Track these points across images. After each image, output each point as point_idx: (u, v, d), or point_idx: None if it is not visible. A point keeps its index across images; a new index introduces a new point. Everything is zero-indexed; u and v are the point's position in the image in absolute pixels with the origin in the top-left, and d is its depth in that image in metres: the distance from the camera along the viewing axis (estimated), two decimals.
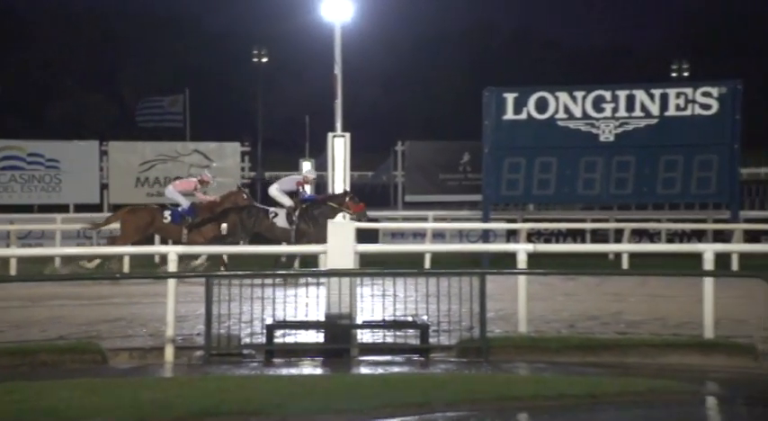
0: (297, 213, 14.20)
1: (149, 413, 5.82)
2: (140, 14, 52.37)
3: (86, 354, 8.16)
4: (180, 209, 14.59)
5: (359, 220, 14.86)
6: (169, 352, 8.26)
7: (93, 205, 23.15)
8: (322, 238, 14.25)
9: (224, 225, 14.45)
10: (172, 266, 8.83)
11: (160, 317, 8.72)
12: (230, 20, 57.22)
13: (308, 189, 15.27)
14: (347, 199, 14.60)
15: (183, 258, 13.12)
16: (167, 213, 14.60)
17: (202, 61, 49.95)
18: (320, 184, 21.73)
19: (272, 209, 14.48)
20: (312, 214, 14.25)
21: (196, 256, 13.09)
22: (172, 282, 8.49)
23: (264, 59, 42.92)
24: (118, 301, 11.09)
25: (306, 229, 14.19)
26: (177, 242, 14.24)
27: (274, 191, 14.70)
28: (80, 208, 22.75)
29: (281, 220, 14.25)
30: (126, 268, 13.66)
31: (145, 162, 23.62)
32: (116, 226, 15.19)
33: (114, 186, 23.38)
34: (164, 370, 8.01)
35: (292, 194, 14.78)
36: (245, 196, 15.08)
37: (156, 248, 12.35)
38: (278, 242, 14.17)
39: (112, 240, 14.82)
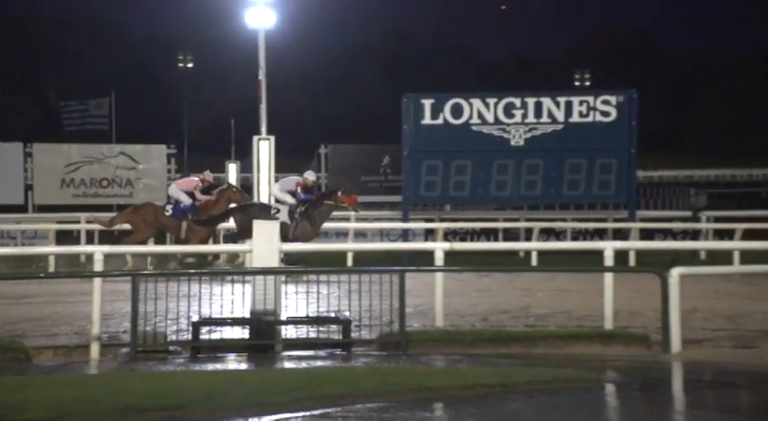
0: (298, 211, 14.25)
1: (73, 410, 5.64)
2: (64, 18, 50.92)
3: (9, 353, 7.86)
4: (182, 205, 14.49)
5: (355, 211, 15.01)
6: (95, 349, 8.04)
7: (18, 206, 22.41)
8: (309, 240, 14.12)
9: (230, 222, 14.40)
10: (98, 266, 8.60)
11: (86, 316, 8.48)
12: (155, 25, 56.10)
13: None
14: (340, 194, 14.62)
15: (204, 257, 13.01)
16: (169, 207, 14.64)
17: (128, 65, 48.85)
18: (246, 187, 21.48)
19: (274, 205, 14.50)
20: (312, 213, 14.32)
21: (217, 256, 13.16)
22: (98, 281, 8.27)
23: (190, 64, 42.23)
24: (43, 300, 10.73)
25: (306, 227, 14.27)
26: (177, 237, 14.23)
27: (276, 191, 14.74)
28: (4, 209, 21.97)
29: (283, 216, 14.23)
30: (52, 267, 13.24)
31: (70, 163, 23.01)
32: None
33: (39, 187, 22.73)
34: (89, 367, 7.78)
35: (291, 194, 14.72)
36: (234, 190, 15.12)
37: (83, 248, 12.01)
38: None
39: (128, 238, 14.59)
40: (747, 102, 61.38)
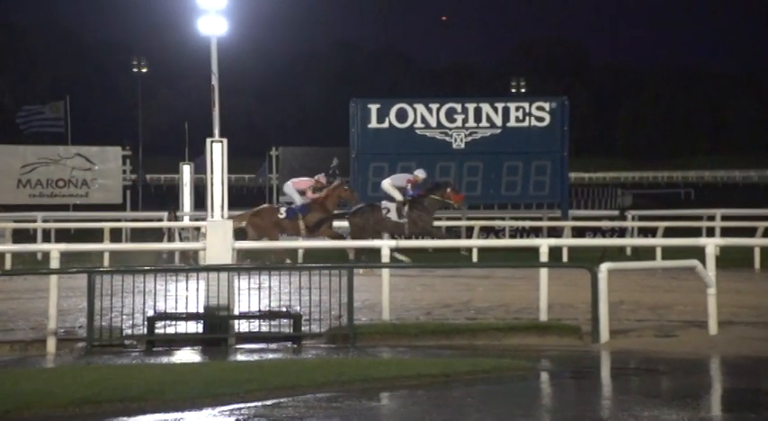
0: (406, 208, 13.95)
1: (30, 402, 5.50)
2: (20, 23, 49.58)
3: None
4: (293, 206, 14.31)
5: (459, 209, 14.65)
6: (51, 344, 7.85)
7: None
8: (429, 229, 13.70)
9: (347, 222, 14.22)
10: (54, 263, 8.40)
11: (42, 312, 8.28)
12: (110, 31, 54.96)
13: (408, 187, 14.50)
14: (448, 190, 14.31)
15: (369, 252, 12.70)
16: (283, 210, 14.41)
17: (83, 69, 47.84)
18: (199, 187, 21.19)
19: (383, 203, 14.20)
20: (420, 207, 14.02)
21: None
22: (54, 278, 8.09)
23: (144, 69, 41.53)
24: None
25: (416, 221, 13.97)
26: (296, 236, 14.06)
27: (388, 186, 14.35)
28: None
29: (393, 215, 13.98)
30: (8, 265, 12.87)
31: (26, 164, 22.48)
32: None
33: None
34: (45, 361, 7.60)
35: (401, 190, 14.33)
36: (345, 188, 14.90)
37: (39, 246, 11.71)
38: (389, 235, 13.91)
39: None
40: (668, 109, 63.08)
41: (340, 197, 14.53)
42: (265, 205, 15.82)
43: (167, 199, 24.29)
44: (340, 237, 14.10)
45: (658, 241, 14.02)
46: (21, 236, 17.32)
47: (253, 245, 11.76)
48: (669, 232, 16.32)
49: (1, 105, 45.46)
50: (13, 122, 33.33)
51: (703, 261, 8.56)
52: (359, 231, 14.04)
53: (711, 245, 8.79)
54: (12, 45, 47.33)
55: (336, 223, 14.54)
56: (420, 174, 14.50)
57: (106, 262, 13.02)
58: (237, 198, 27.35)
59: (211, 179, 18.63)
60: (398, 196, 14.15)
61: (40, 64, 47.49)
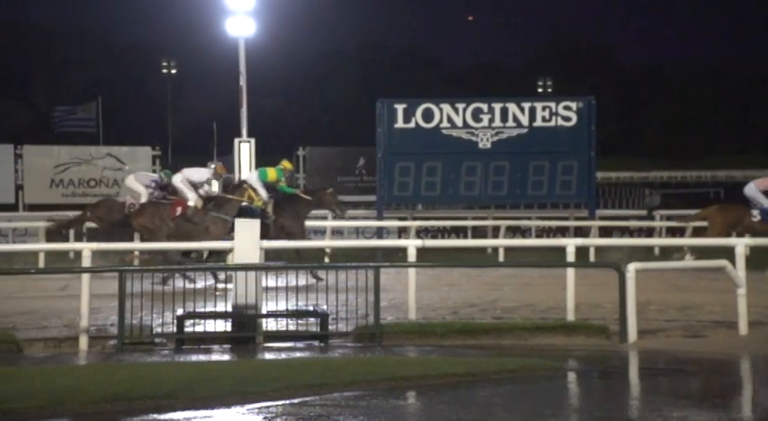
0: None
1: (63, 398, 5.58)
2: (53, 25, 50.34)
3: (2, 345, 7.76)
4: (765, 207, 14.08)
5: None
6: (83, 341, 7.96)
7: (9, 205, 22.20)
8: None
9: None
10: (86, 262, 8.51)
11: (74, 310, 8.39)
12: (140, 32, 55.58)
13: None
14: None
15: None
16: (755, 212, 14.17)
17: (114, 71, 48.36)
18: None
19: (754, 211, 14.13)
20: None
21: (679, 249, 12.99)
22: (86, 277, 8.19)
23: (173, 70, 41.94)
24: (33, 295, 10.59)
25: None
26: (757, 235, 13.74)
27: (753, 191, 14.29)
28: None
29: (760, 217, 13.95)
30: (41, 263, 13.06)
31: (59, 164, 22.83)
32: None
33: (29, 187, 22.56)
34: (78, 358, 7.71)
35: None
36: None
37: (71, 245, 11.88)
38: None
39: (709, 233, 14.36)
40: (697, 108, 62.29)
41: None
42: (729, 204, 15.26)
43: None
44: None
45: (687, 241, 13.84)
46: (53, 235, 17.54)
47: (282, 244, 11.80)
48: (697, 232, 16.11)
49: (35, 106, 46.19)
50: (46, 123, 33.86)
51: (733, 261, 8.45)
52: (716, 228, 13.94)
53: (741, 245, 8.68)
54: (45, 47, 48.06)
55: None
56: None
57: (136, 261, 13.16)
58: None
59: (239, 178, 18.73)
60: (766, 202, 13.96)
61: (72, 66, 48.17)
